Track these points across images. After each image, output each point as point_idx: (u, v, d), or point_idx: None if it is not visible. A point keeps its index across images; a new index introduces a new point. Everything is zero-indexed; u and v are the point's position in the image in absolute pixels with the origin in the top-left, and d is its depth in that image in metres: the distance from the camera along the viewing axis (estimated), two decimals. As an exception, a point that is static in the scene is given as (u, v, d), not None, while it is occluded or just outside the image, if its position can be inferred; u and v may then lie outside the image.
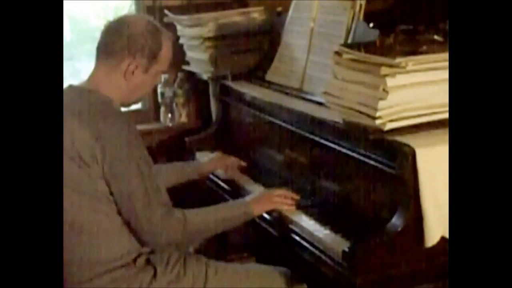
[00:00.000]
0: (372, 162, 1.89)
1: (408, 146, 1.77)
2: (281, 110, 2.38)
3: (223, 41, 2.98)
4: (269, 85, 2.69)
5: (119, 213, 1.93)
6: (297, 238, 2.03)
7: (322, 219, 2.04)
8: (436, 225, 1.76)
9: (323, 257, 1.90)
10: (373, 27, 2.28)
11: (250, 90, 2.69)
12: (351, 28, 2.35)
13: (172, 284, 1.98)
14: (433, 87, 1.83)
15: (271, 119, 2.46)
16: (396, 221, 1.78)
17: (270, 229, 2.16)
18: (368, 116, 1.82)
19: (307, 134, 2.21)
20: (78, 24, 3.39)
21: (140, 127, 3.01)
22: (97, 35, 2.03)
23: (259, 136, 2.62)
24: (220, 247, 2.88)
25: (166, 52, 2.04)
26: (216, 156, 2.67)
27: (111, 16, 2.08)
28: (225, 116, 2.91)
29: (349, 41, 2.32)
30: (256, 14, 3.07)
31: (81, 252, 1.93)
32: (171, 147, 3.24)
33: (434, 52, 1.87)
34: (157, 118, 3.32)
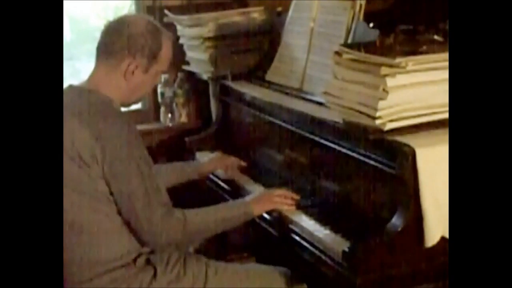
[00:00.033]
0: (372, 162, 1.89)
1: (408, 146, 1.77)
2: (281, 110, 2.38)
3: (223, 41, 2.98)
4: (269, 85, 2.69)
5: (119, 213, 1.93)
6: (297, 238, 2.03)
7: (322, 219, 2.04)
8: (436, 225, 1.76)
9: (323, 257, 1.90)
10: (373, 27, 2.28)
11: (250, 90, 2.69)
12: (351, 28, 2.35)
13: (172, 284, 1.98)
14: (433, 87, 1.83)
15: (271, 119, 2.46)
16: (396, 221, 1.78)
17: (270, 229, 2.16)
18: (368, 116, 1.82)
19: (307, 134, 2.21)
20: (78, 24, 3.39)
21: (140, 127, 3.01)
22: (97, 35, 2.03)
23: (259, 136, 2.62)
24: (220, 247, 2.88)
25: (166, 52, 2.04)
26: (216, 156, 2.67)
27: (111, 16, 2.08)
28: (225, 116, 2.91)
29: (349, 41, 2.32)
30: (256, 14, 3.07)
31: (81, 252, 1.93)
32: (171, 147, 3.24)
33: (434, 52, 1.87)
34: (157, 118, 3.32)
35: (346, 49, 1.92)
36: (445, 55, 1.78)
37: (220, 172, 2.57)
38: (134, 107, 2.43)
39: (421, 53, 1.87)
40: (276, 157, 2.49)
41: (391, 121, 1.81)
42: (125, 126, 1.93)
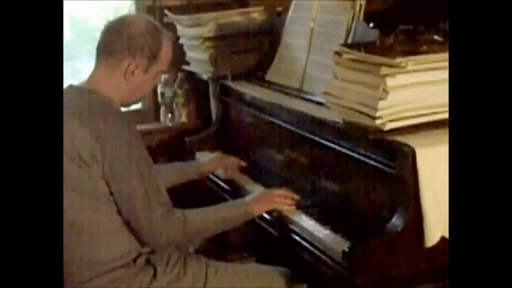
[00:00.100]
0: (372, 162, 1.89)
1: (408, 146, 1.77)
2: (281, 110, 2.38)
3: (223, 41, 2.98)
4: (269, 85, 2.69)
5: (119, 213, 1.93)
6: (297, 238, 2.03)
7: (322, 219, 2.04)
8: (436, 225, 1.76)
9: (323, 257, 1.90)
10: (373, 27, 2.28)
11: (250, 90, 2.69)
12: (351, 28, 2.35)
13: (172, 284, 1.98)
14: (433, 87, 1.83)
15: (271, 119, 2.46)
16: (396, 221, 1.78)
17: (270, 229, 2.16)
18: (368, 116, 1.82)
19: (307, 134, 2.21)
20: (78, 24, 3.39)
21: (140, 127, 3.01)
22: (97, 35, 2.03)
23: (259, 136, 2.62)
24: (220, 247, 2.88)
25: (166, 52, 2.04)
26: (216, 156, 2.67)
27: (111, 16, 2.08)
28: (225, 116, 2.91)
29: (349, 41, 2.32)
30: (256, 14, 3.07)
31: (81, 252, 1.93)
32: (171, 147, 3.24)
33: (434, 52, 1.87)
34: (157, 118, 3.32)
35: (346, 49, 1.92)
36: (445, 55, 1.78)
37: (220, 172, 2.57)
38: (134, 107, 2.43)
39: (421, 53, 1.87)
40: (276, 157, 2.49)
41: (391, 121, 1.81)
42: (125, 126, 1.93)
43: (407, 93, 1.80)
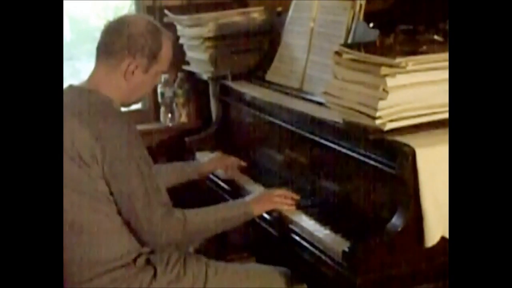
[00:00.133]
0: (372, 162, 1.89)
1: (408, 146, 1.77)
2: (281, 110, 2.38)
3: (223, 41, 2.98)
4: (269, 85, 2.69)
5: (119, 213, 1.93)
6: (297, 238, 2.03)
7: (322, 219, 2.04)
8: (436, 225, 1.76)
9: (323, 257, 1.90)
10: (373, 27, 2.28)
11: (250, 90, 2.69)
12: (351, 28, 2.35)
13: (172, 284, 1.98)
14: (433, 87, 1.83)
15: (271, 119, 2.46)
16: (396, 221, 1.78)
17: (270, 229, 2.16)
18: (368, 116, 1.82)
19: (307, 134, 2.21)
20: (78, 24, 3.39)
21: (140, 127, 3.00)
22: (97, 35, 2.03)
23: (259, 136, 2.62)
24: (220, 247, 2.88)
25: (166, 52, 2.03)
26: (216, 156, 2.67)
27: (111, 16, 2.07)
28: (225, 116, 2.91)
29: (349, 41, 2.32)
30: (256, 14, 3.07)
31: (81, 252, 1.93)
32: (171, 147, 3.24)
33: (434, 52, 1.87)
34: (157, 118, 3.32)
35: (346, 49, 1.92)
36: (445, 55, 1.78)
37: (220, 172, 2.57)
38: (134, 107, 2.43)
39: (421, 53, 1.87)
40: (276, 157, 2.49)
41: (391, 121, 1.81)
42: (125, 126, 1.93)
43: (407, 93, 1.80)
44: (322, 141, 2.12)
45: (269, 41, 2.86)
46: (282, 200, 2.14)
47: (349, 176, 2.04)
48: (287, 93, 2.53)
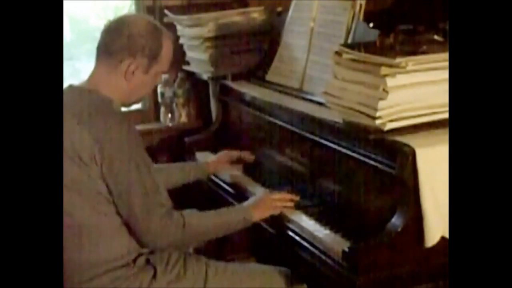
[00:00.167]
0: (372, 162, 1.89)
1: (408, 146, 1.77)
2: (281, 110, 2.38)
3: (223, 41, 2.98)
4: (269, 85, 2.69)
5: (119, 213, 1.93)
6: (297, 238, 2.03)
7: (322, 219, 2.04)
8: (436, 225, 1.76)
9: (323, 257, 1.90)
10: (373, 27, 2.28)
11: (250, 90, 2.69)
12: (351, 28, 2.35)
13: (172, 284, 1.98)
14: (433, 87, 1.83)
15: (271, 119, 2.46)
16: (396, 221, 1.78)
17: (270, 229, 2.16)
18: (368, 116, 1.82)
19: (307, 134, 2.21)
20: (78, 24, 3.39)
21: (140, 127, 3.02)
22: (97, 35, 2.02)
23: (259, 136, 2.62)
24: (220, 247, 2.88)
25: (166, 52, 2.03)
26: (220, 154, 2.63)
27: (111, 16, 2.08)
28: (225, 116, 2.91)
29: (349, 41, 2.32)
30: (256, 14, 3.07)
31: (81, 252, 1.92)
32: (171, 147, 3.24)
33: (434, 52, 1.87)
34: (157, 118, 3.32)
35: (346, 49, 1.92)
36: (445, 55, 1.78)
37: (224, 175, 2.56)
38: (134, 107, 2.43)
39: (421, 53, 1.87)
40: (276, 157, 2.49)
41: (391, 121, 1.81)
42: (125, 127, 1.93)
43: (407, 93, 1.80)
44: (322, 141, 2.12)
45: (269, 41, 2.85)
46: (282, 204, 2.14)
47: (349, 176, 2.04)
48: (287, 93, 2.53)
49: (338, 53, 1.93)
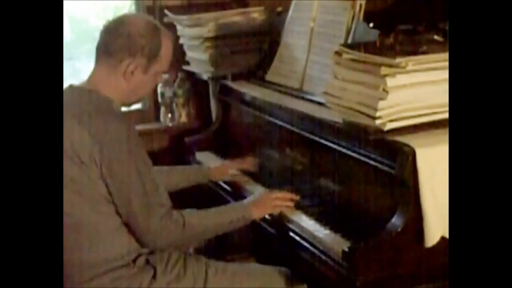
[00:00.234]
0: (372, 162, 1.89)
1: (408, 146, 1.77)
2: (281, 110, 2.38)
3: (223, 41, 2.98)
4: (269, 85, 2.69)
5: (119, 213, 1.93)
6: (297, 238, 2.03)
7: (322, 219, 2.04)
8: (436, 225, 1.76)
9: (323, 257, 1.90)
10: (373, 27, 2.28)
11: (250, 90, 2.69)
12: (351, 28, 2.35)
13: (172, 284, 1.98)
14: (433, 87, 1.83)
15: (271, 119, 2.46)
16: (396, 221, 1.78)
17: (270, 229, 2.17)
18: (368, 116, 1.82)
19: (307, 134, 2.21)
20: (78, 24, 3.39)
21: (140, 127, 3.02)
22: (97, 35, 2.02)
23: (259, 136, 2.62)
24: (220, 247, 2.88)
25: (166, 52, 2.03)
26: (225, 163, 2.64)
27: (111, 16, 2.07)
28: (225, 116, 2.91)
29: (349, 41, 2.32)
30: (256, 14, 3.07)
31: (81, 252, 1.92)
32: (171, 147, 3.24)
33: (434, 52, 1.87)
34: (157, 118, 3.32)
35: (346, 49, 1.92)
36: (445, 55, 1.78)
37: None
38: (134, 107, 2.44)
39: (421, 53, 1.87)
40: (276, 157, 2.49)
41: (391, 121, 1.81)
42: (124, 127, 1.93)
43: (407, 93, 1.80)
44: (322, 141, 2.12)
45: (269, 41, 2.86)
46: (282, 203, 2.14)
47: (349, 176, 2.04)
48: (287, 93, 2.53)
49: (338, 53, 1.93)
